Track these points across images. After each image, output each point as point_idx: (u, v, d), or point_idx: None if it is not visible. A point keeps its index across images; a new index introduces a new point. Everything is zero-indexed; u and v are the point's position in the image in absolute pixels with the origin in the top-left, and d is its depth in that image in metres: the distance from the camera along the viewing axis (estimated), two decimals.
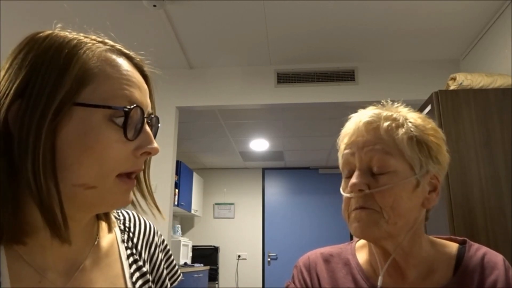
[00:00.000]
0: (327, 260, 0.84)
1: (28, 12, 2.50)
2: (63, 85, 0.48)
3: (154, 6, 2.40)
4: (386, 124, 0.71)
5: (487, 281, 0.71)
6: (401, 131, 0.71)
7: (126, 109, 0.50)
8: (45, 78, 0.48)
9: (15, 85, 0.48)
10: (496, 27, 2.54)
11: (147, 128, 0.54)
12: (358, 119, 0.74)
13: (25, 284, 0.49)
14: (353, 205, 0.72)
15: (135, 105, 0.51)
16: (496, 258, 0.74)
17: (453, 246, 0.79)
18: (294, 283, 0.85)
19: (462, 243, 0.80)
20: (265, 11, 2.56)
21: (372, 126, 0.72)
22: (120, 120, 0.50)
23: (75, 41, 0.51)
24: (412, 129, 0.71)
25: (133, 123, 0.51)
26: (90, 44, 0.52)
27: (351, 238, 0.88)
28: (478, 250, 0.76)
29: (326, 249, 0.87)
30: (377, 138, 0.71)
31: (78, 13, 2.49)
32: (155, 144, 0.53)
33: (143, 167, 0.55)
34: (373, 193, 0.69)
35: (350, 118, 0.78)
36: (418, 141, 0.71)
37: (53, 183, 0.47)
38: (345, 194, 0.74)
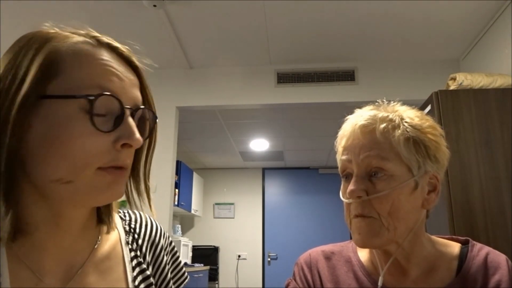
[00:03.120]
0: (328, 257, 0.84)
1: (28, 12, 2.50)
2: (29, 77, 0.46)
3: (154, 6, 2.40)
4: (382, 126, 0.71)
5: (490, 281, 0.71)
6: (398, 132, 0.70)
7: (91, 98, 0.47)
8: (17, 70, 0.47)
9: None
10: (496, 27, 2.54)
11: (129, 119, 0.50)
12: (354, 121, 0.74)
13: (23, 285, 0.49)
14: (352, 212, 0.72)
15: (102, 93, 0.48)
16: (499, 258, 0.74)
17: (455, 246, 0.78)
18: (295, 280, 0.84)
19: (464, 243, 0.79)
20: (265, 11, 2.55)
21: (368, 129, 0.71)
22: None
23: (48, 34, 0.50)
24: (408, 130, 0.71)
25: (109, 113, 0.49)
26: (62, 37, 0.50)
27: (351, 237, 0.88)
28: (481, 250, 0.76)
29: (328, 247, 0.87)
30: (373, 143, 0.70)
31: (78, 13, 2.49)
32: (137, 136, 0.50)
33: (128, 161, 0.52)
34: (371, 199, 0.69)
35: (346, 119, 0.77)
36: (415, 142, 0.70)
37: (15, 178, 0.47)
38: (344, 200, 0.74)
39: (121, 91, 0.50)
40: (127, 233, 0.63)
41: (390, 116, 0.72)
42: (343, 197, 0.75)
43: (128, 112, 0.50)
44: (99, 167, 0.48)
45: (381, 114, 0.73)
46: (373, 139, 0.71)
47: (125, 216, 0.66)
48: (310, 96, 3.19)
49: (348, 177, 0.74)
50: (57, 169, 0.47)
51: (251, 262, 5.81)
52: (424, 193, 0.72)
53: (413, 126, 0.71)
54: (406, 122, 0.72)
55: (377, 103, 0.78)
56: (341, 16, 2.60)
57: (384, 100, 0.78)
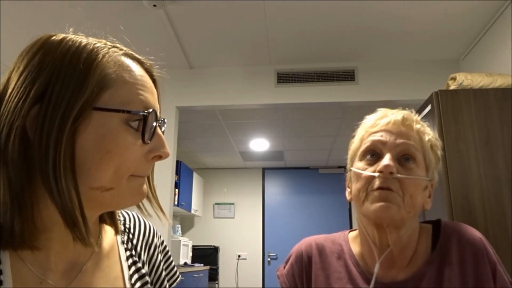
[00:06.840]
0: (320, 246, 0.90)
1: (28, 11, 2.50)
2: (85, 90, 0.48)
3: (154, 6, 2.40)
4: (418, 126, 0.81)
5: (465, 254, 0.77)
6: (427, 137, 0.82)
7: (145, 114, 0.51)
8: (65, 82, 0.48)
9: (34, 90, 0.47)
10: (496, 27, 2.54)
11: (159, 131, 0.54)
12: (394, 114, 0.82)
13: (26, 285, 0.49)
14: (377, 185, 0.76)
15: (151, 109, 0.52)
16: (474, 232, 0.81)
17: (429, 227, 0.86)
18: (285, 268, 0.90)
19: (436, 224, 0.86)
20: (265, 11, 2.56)
21: (407, 122, 0.81)
22: (135, 124, 0.51)
23: (91, 46, 0.51)
24: (432, 139, 0.83)
25: (148, 127, 0.52)
26: (106, 49, 0.52)
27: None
28: (455, 226, 0.82)
29: (321, 236, 0.93)
30: (410, 135, 0.80)
31: (78, 13, 2.49)
32: (167, 148, 0.54)
33: (150, 170, 0.56)
34: (400, 179, 0.76)
35: (379, 110, 0.86)
36: (434, 151, 0.82)
37: (73, 186, 0.47)
38: (367, 173, 0.78)
39: (154, 105, 0.54)
40: (122, 232, 0.64)
41: (421, 122, 0.83)
42: (366, 170, 0.79)
43: (157, 124, 0.54)
44: (131, 174, 0.52)
45: (415, 117, 0.83)
46: (411, 132, 0.80)
47: (118, 216, 0.66)
48: (310, 96, 3.19)
49: (374, 155, 0.80)
50: (101, 177, 0.49)
51: (251, 262, 5.81)
52: (426, 196, 0.81)
53: (435, 139, 0.84)
54: (430, 133, 0.84)
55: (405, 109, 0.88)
56: (341, 16, 2.60)
57: (413, 110, 0.87)
